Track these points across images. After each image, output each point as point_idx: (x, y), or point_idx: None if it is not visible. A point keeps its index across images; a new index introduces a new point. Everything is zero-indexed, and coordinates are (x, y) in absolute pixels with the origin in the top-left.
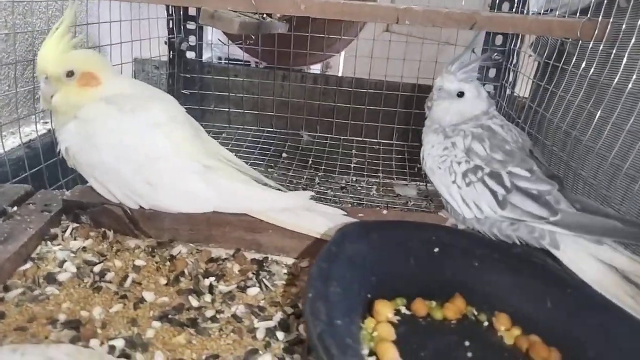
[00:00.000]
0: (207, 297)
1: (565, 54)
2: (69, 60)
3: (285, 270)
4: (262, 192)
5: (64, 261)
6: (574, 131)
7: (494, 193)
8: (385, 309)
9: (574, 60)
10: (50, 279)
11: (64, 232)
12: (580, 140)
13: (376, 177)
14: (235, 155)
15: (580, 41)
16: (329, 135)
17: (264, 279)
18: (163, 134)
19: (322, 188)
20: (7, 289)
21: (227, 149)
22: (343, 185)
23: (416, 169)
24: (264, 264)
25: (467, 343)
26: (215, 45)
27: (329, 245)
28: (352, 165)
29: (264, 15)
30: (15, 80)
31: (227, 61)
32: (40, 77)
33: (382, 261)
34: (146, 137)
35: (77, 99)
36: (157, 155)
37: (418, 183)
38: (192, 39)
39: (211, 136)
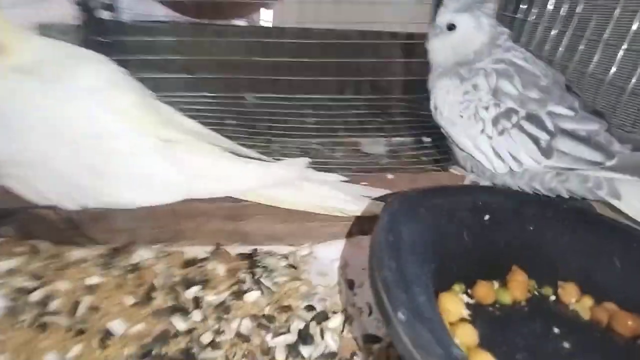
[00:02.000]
0: (196, 315)
1: None
2: None
3: (283, 263)
4: (246, 166)
5: None
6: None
7: (535, 139)
8: (455, 305)
9: None
10: None
11: None
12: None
13: (337, 137)
14: None
15: None
16: (276, 95)
17: (261, 278)
18: (103, 103)
19: (282, 155)
20: None
21: None
22: (304, 149)
23: (377, 124)
24: (256, 259)
25: (556, 330)
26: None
27: (382, 233)
28: (310, 126)
29: None
30: None
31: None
32: None
33: (437, 241)
34: (81, 110)
35: None
36: (98, 132)
37: (384, 139)
38: None
39: None
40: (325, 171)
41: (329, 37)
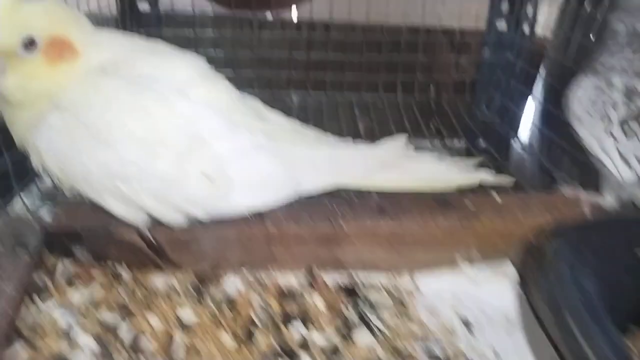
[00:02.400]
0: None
1: None
2: (26, 21)
3: (387, 296)
4: (352, 153)
5: (70, 327)
6: None
7: None
8: None
9: None
10: None
11: (52, 274)
12: None
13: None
14: None
15: None
16: (324, 92)
17: (367, 315)
18: (202, 100)
19: None
20: None
21: None
22: None
23: (433, 127)
24: (355, 289)
25: None
26: None
27: (559, 269)
28: (361, 129)
29: None
30: None
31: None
32: None
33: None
34: (180, 110)
35: (47, 82)
36: (201, 132)
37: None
38: None
39: None
40: None
41: (379, 32)
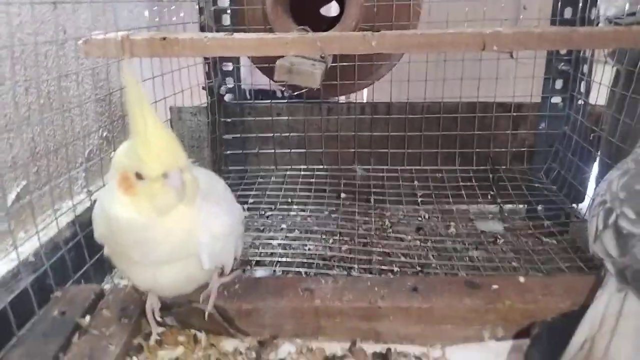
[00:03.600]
0: None
1: None
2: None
3: None
4: None
5: None
6: None
7: None
8: None
9: None
10: None
11: (147, 339)
12: None
13: (448, 210)
14: (291, 199)
15: None
16: (385, 167)
17: None
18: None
19: (396, 232)
20: None
21: (281, 193)
22: (418, 226)
23: (489, 196)
24: (389, 358)
25: None
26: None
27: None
28: (419, 199)
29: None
30: (66, 158)
31: (257, 96)
32: (173, 173)
33: None
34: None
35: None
36: None
37: (492, 210)
38: (230, 81)
39: (260, 181)
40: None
41: (435, 110)
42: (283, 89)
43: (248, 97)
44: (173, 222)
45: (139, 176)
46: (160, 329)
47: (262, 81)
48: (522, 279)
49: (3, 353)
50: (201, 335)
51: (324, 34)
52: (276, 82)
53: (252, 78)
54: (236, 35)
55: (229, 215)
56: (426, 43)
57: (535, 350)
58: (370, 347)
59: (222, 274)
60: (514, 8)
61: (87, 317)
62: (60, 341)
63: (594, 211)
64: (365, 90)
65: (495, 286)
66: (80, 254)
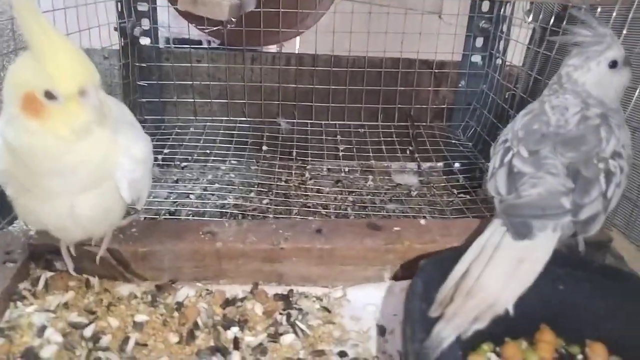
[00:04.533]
0: (235, 356)
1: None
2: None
3: (317, 306)
4: None
5: (44, 327)
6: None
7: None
8: None
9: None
10: (31, 356)
11: (36, 285)
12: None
13: (368, 165)
14: (210, 151)
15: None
16: (309, 121)
17: (296, 321)
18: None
19: (316, 184)
20: None
21: (199, 144)
22: (336, 178)
23: (408, 152)
24: (291, 299)
25: None
26: (164, 26)
27: (418, 304)
28: (340, 153)
29: None
30: None
31: (178, 44)
32: (90, 89)
33: None
34: None
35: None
36: None
37: (412, 167)
38: (146, 23)
39: (177, 131)
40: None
41: (360, 64)
42: (210, 38)
43: (170, 44)
44: (90, 145)
45: (49, 95)
46: (50, 274)
47: (185, 30)
48: (422, 222)
49: None
50: (94, 280)
51: None
52: (180, 9)
53: (175, 22)
54: None
55: (146, 141)
56: None
57: (419, 279)
58: (273, 289)
59: None
60: None
61: None
62: None
63: (496, 150)
64: (297, 42)
65: (396, 228)
66: None
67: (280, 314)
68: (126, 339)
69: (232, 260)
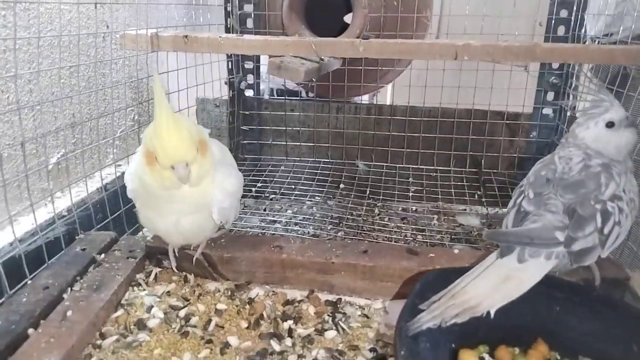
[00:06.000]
0: (288, 341)
1: (630, 78)
2: (193, 139)
3: (359, 312)
4: None
5: (152, 306)
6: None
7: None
8: (470, 359)
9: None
10: (141, 325)
11: (148, 277)
12: None
13: (435, 206)
14: (295, 187)
15: None
16: (385, 164)
17: (339, 322)
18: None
19: (381, 219)
20: (102, 336)
21: (287, 180)
22: (403, 215)
23: (476, 196)
24: (338, 306)
25: None
26: (269, 79)
27: (412, 299)
28: (410, 194)
29: (322, 57)
30: (96, 130)
31: (281, 96)
32: (178, 166)
33: None
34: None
35: (206, 168)
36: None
37: (479, 211)
38: (250, 78)
39: (270, 169)
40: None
41: (435, 114)
42: (307, 90)
43: (275, 94)
44: (191, 190)
45: (155, 158)
46: (159, 269)
47: (290, 83)
48: (456, 251)
49: (35, 274)
50: (190, 277)
51: (319, 39)
52: (269, 74)
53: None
54: (245, 36)
55: (237, 178)
56: (406, 50)
57: (420, 282)
58: (325, 296)
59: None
60: (530, 24)
61: (102, 255)
62: (79, 269)
63: (514, 193)
64: (388, 93)
65: (431, 255)
66: (105, 215)
67: (328, 315)
68: (209, 321)
69: (294, 269)
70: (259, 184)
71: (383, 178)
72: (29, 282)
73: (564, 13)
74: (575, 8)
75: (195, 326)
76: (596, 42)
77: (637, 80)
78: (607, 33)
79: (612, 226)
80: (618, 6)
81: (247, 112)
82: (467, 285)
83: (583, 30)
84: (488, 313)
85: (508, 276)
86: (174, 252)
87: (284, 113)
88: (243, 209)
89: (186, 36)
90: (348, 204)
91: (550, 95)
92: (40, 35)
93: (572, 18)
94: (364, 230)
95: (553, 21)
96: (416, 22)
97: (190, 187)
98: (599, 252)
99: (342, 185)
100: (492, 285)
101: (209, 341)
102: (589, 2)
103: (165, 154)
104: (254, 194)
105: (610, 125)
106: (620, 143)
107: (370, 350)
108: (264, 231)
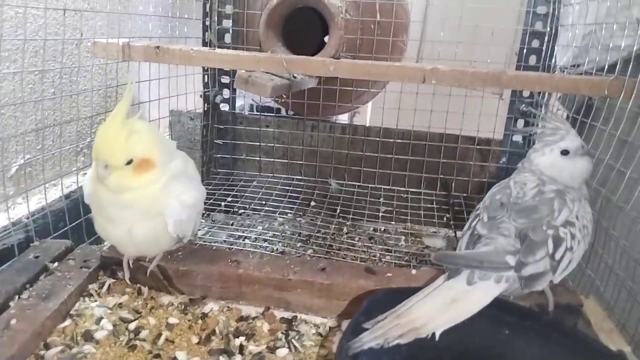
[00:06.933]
0: (238, 358)
1: (594, 109)
2: (131, 151)
3: (313, 331)
4: None
5: (101, 318)
6: (603, 189)
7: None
8: None
9: (602, 116)
10: (88, 336)
11: (101, 288)
12: (611, 199)
13: (404, 227)
14: (265, 203)
15: (608, 99)
16: (357, 183)
17: (293, 340)
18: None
19: (350, 238)
20: (47, 346)
21: (258, 196)
22: (371, 235)
23: (445, 219)
24: (293, 323)
25: None
26: (246, 94)
27: (357, 317)
28: (380, 214)
29: (294, 75)
30: (60, 137)
31: (258, 112)
32: (98, 164)
33: None
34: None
35: (130, 183)
36: None
37: (447, 233)
38: (226, 92)
39: (242, 184)
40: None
41: (408, 137)
42: (287, 108)
43: (255, 110)
44: (142, 191)
45: None
46: (113, 280)
47: (269, 100)
48: (413, 271)
49: None
50: (144, 289)
51: (290, 56)
52: (235, 87)
53: (261, 98)
54: (217, 50)
55: (198, 191)
56: (375, 72)
57: (367, 301)
58: (280, 314)
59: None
60: (504, 53)
61: (56, 264)
62: (29, 276)
63: (470, 216)
64: (368, 114)
65: (389, 274)
66: (65, 224)
67: (282, 333)
68: (159, 335)
69: (250, 285)
70: (229, 199)
71: (355, 197)
72: None
73: (535, 43)
74: (546, 39)
75: (144, 340)
76: (565, 72)
77: (600, 110)
78: (575, 64)
79: (563, 252)
80: (584, 39)
81: (221, 126)
82: (414, 306)
83: (553, 61)
84: (433, 335)
85: (456, 298)
86: (129, 263)
87: (258, 129)
88: (212, 223)
89: (158, 47)
90: (318, 221)
91: (520, 123)
92: (4, 38)
93: (544, 48)
94: (332, 249)
95: (525, 50)
96: (392, 45)
97: (109, 192)
98: (549, 277)
99: (313, 203)
100: (439, 307)
101: (157, 355)
102: (559, 33)
103: (94, 148)
104: (224, 209)
105: (565, 153)
106: (574, 171)
107: None
108: (231, 246)
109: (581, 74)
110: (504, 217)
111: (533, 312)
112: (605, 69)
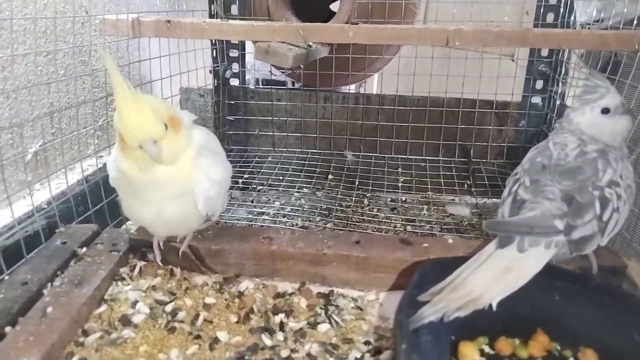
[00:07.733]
0: (280, 336)
1: (622, 65)
2: (159, 115)
3: (352, 305)
4: None
5: (136, 301)
6: (632, 146)
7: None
8: (470, 351)
9: (632, 72)
10: (125, 321)
11: (132, 271)
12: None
13: (425, 196)
14: (283, 178)
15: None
16: (374, 154)
17: (332, 314)
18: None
19: (371, 210)
20: (85, 333)
21: (274, 172)
22: (393, 206)
23: (465, 186)
24: (331, 298)
25: None
26: (255, 69)
27: (410, 290)
28: (400, 184)
29: (310, 43)
30: (76, 119)
31: (267, 85)
32: (146, 144)
33: None
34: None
35: (180, 143)
36: None
37: (468, 201)
38: (235, 67)
39: (257, 160)
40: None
41: (424, 104)
42: (294, 79)
43: (261, 84)
44: (175, 168)
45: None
46: (144, 263)
47: (277, 72)
48: (450, 240)
49: (13, 269)
50: (177, 270)
51: (307, 24)
52: (255, 59)
53: (262, 66)
54: (230, 21)
55: (225, 167)
56: (395, 35)
57: (418, 273)
58: (317, 289)
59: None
60: (517, 12)
61: (84, 249)
62: (59, 263)
63: (508, 182)
64: (374, 83)
65: (425, 244)
66: (87, 208)
67: (321, 308)
68: (197, 316)
69: (284, 261)
70: (245, 176)
71: (372, 168)
72: (7, 277)
73: (553, 0)
74: None
75: (182, 321)
76: (586, 28)
77: (628, 66)
78: (598, 19)
79: (610, 213)
80: None
81: (232, 102)
82: (468, 277)
83: (572, 17)
84: (490, 305)
85: (509, 267)
86: (159, 244)
87: (270, 103)
88: (230, 201)
89: (169, 21)
90: (337, 194)
91: (539, 84)
92: (14, 18)
93: (562, 4)
94: (353, 221)
95: (542, 8)
96: (404, 8)
97: (167, 166)
98: (598, 240)
99: (330, 176)
100: (494, 277)
101: (197, 337)
102: None
103: (130, 133)
104: (241, 186)
105: (605, 111)
106: (615, 130)
107: (365, 343)
108: (251, 223)
109: (606, 28)
110: (547, 180)
111: (581, 276)
112: (635, 22)
